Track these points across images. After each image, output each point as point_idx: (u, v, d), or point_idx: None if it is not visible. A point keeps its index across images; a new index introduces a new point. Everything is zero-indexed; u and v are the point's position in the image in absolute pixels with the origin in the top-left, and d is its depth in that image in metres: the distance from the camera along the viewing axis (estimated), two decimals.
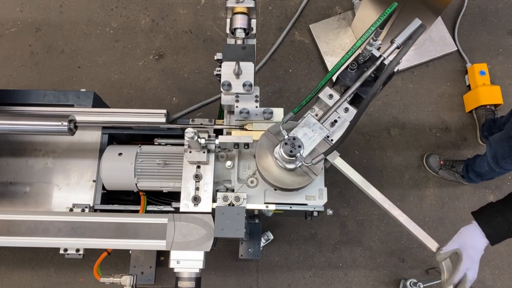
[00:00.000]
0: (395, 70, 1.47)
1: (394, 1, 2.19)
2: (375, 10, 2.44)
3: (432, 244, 1.54)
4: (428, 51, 2.81)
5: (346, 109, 1.54)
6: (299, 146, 1.36)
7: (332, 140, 1.51)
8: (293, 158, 1.37)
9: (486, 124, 2.58)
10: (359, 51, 1.47)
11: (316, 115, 1.56)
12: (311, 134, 1.44)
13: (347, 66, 1.52)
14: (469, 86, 2.78)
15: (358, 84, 1.47)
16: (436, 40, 2.83)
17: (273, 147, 1.46)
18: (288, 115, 1.55)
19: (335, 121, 1.53)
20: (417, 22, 1.31)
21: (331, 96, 1.55)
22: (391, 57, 1.40)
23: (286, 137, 1.38)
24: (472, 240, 1.44)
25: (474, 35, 2.91)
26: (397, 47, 1.35)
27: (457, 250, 1.46)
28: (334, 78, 1.54)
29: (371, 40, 1.43)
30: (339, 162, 1.53)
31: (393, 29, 2.38)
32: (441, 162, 2.59)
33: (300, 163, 1.40)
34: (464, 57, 2.83)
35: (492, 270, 2.49)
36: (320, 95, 1.55)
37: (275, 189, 1.53)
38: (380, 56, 1.46)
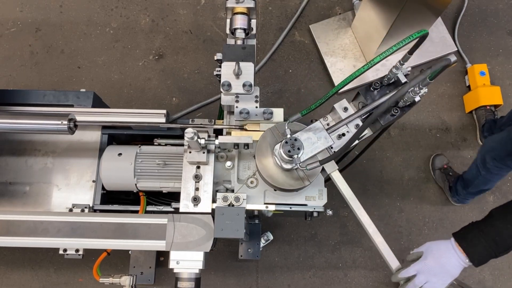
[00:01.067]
0: (416, 99, 1.45)
1: (396, 2, 2.20)
2: (375, 11, 2.44)
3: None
4: (428, 51, 2.81)
5: (357, 126, 1.53)
6: (298, 149, 1.34)
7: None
8: (290, 159, 1.36)
9: (487, 125, 2.57)
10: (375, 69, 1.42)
11: (328, 124, 1.55)
12: (314, 140, 1.41)
13: (370, 84, 1.51)
14: (469, 86, 2.79)
15: (375, 104, 1.46)
16: (436, 41, 2.83)
17: (275, 143, 1.45)
18: (295, 116, 1.55)
19: (343, 134, 1.53)
20: (451, 58, 1.31)
21: (346, 109, 1.55)
22: (418, 91, 1.39)
23: (288, 136, 1.37)
24: (438, 250, 1.31)
25: (474, 36, 2.91)
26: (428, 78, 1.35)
27: (420, 253, 1.36)
28: (345, 88, 1.52)
29: (399, 64, 1.42)
30: (335, 175, 1.52)
31: (393, 29, 2.38)
32: (445, 166, 2.58)
33: (296, 166, 1.38)
34: (464, 57, 2.83)
35: (492, 271, 2.49)
36: (335, 105, 1.55)
37: (274, 190, 1.53)
38: (406, 82, 1.45)
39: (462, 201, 2.52)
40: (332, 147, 1.51)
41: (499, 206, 1.31)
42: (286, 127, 1.41)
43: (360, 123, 1.53)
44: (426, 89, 1.42)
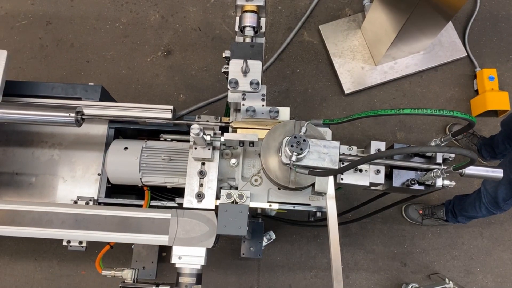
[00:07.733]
0: (437, 183, 1.44)
1: (407, 5, 2.18)
2: (385, 13, 2.43)
3: None
4: (438, 56, 2.79)
5: (378, 171, 1.48)
6: (301, 149, 1.31)
7: (342, 179, 1.48)
8: (289, 154, 1.34)
9: (483, 150, 2.51)
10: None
11: (350, 155, 1.50)
12: (321, 155, 1.34)
13: (417, 154, 1.50)
14: (477, 91, 2.76)
15: (395, 162, 1.47)
16: (446, 45, 2.81)
17: (280, 142, 1.43)
18: (317, 120, 1.56)
19: (360, 170, 1.48)
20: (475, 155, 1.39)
21: (379, 151, 1.52)
22: (440, 175, 1.40)
23: (301, 134, 1.36)
24: None
25: (485, 41, 2.89)
26: (460, 174, 1.37)
27: None
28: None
29: (439, 141, 1.43)
30: (330, 204, 1.40)
31: (403, 32, 2.36)
32: (421, 212, 2.53)
33: (290, 163, 1.35)
34: (474, 61, 2.81)
35: (495, 278, 2.48)
36: (372, 142, 1.51)
37: (278, 188, 1.53)
38: (439, 164, 1.44)
39: (465, 223, 2.48)
40: (342, 179, 1.48)
41: None
42: (304, 125, 1.40)
43: (382, 171, 1.48)
44: (449, 182, 1.45)
